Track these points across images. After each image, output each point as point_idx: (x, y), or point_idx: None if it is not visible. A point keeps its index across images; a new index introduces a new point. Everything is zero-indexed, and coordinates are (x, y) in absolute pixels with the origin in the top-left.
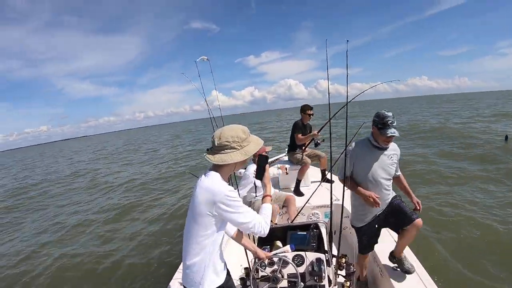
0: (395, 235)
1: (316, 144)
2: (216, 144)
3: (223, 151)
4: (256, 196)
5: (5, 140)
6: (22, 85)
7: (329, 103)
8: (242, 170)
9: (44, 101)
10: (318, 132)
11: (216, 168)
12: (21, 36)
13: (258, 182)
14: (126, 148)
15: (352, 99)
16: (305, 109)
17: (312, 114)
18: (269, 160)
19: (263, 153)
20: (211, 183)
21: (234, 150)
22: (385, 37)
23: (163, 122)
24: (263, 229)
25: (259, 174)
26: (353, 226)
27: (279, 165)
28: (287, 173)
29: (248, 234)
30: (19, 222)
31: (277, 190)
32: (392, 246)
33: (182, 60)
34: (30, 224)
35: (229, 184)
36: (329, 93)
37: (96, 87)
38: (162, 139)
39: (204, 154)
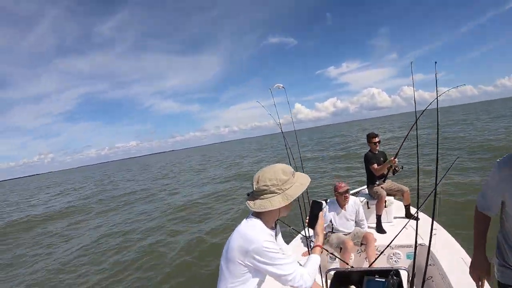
0: None
1: (394, 172)
2: (255, 189)
3: (262, 196)
4: (332, 231)
5: (97, 154)
6: (112, 104)
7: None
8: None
9: (133, 119)
10: (394, 158)
11: (258, 214)
12: (109, 60)
13: (350, 215)
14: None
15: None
16: (369, 137)
17: (379, 142)
18: (352, 191)
19: (319, 200)
20: (249, 230)
21: (274, 194)
22: (466, 36)
23: (247, 135)
24: (305, 283)
25: (312, 222)
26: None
27: (361, 198)
28: (368, 207)
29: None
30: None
31: (364, 227)
32: None
33: (262, 74)
34: None
35: (273, 230)
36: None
37: (180, 104)
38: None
39: (246, 200)
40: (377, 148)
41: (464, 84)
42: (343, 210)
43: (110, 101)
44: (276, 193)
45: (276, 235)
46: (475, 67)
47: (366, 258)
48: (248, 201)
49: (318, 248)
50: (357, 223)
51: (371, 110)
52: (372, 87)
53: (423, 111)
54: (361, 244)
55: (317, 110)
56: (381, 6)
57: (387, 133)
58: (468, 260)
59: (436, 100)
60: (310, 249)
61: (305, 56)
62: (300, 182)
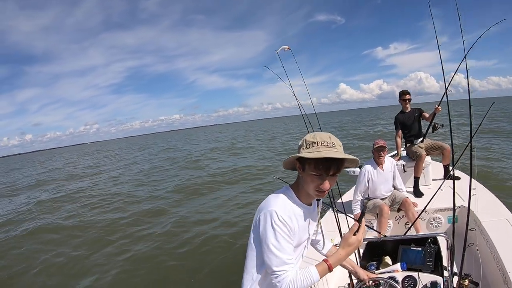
0: None
1: (434, 129)
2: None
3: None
4: (368, 197)
5: (141, 126)
6: (157, 78)
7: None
8: (357, 170)
9: (177, 93)
10: (438, 106)
11: (294, 184)
12: (155, 35)
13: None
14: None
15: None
16: (400, 94)
17: (410, 100)
18: (389, 154)
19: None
20: (271, 197)
21: (295, 154)
22: None
23: (289, 113)
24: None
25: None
26: None
27: (396, 161)
28: (404, 170)
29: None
30: None
31: (403, 191)
32: None
33: (308, 52)
34: None
35: (309, 206)
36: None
37: (225, 79)
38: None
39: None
40: (408, 105)
41: (505, 19)
42: (379, 169)
43: (155, 75)
44: (297, 153)
45: (316, 213)
46: None
47: (406, 224)
48: None
49: (324, 264)
50: (395, 187)
51: (418, 95)
52: (420, 71)
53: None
54: (399, 209)
55: (362, 91)
56: None
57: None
58: None
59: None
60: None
61: (352, 35)
62: (322, 149)
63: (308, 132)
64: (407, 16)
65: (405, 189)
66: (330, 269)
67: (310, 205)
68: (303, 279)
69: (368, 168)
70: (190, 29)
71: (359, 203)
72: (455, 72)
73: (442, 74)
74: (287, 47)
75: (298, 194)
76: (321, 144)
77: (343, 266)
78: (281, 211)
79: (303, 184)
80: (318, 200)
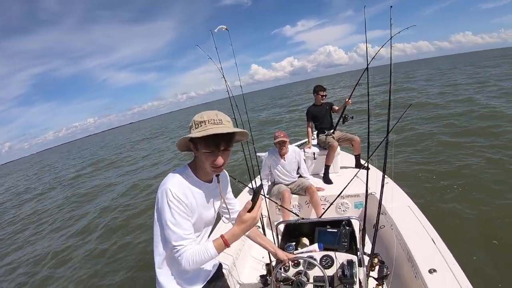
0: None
1: (344, 120)
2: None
3: None
4: (274, 182)
5: (55, 136)
6: (66, 82)
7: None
8: (265, 154)
9: (89, 95)
10: (349, 99)
11: (192, 161)
12: (59, 36)
13: (290, 165)
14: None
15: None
16: (317, 90)
17: (326, 95)
18: (297, 143)
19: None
20: (167, 176)
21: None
22: None
23: (206, 100)
24: (189, 264)
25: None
26: None
27: (306, 150)
28: (314, 158)
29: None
30: None
31: (308, 178)
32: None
33: (218, 36)
34: None
35: (208, 183)
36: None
37: (137, 74)
38: None
39: None
40: (322, 100)
41: (415, 25)
42: (282, 160)
43: (64, 78)
44: (189, 132)
45: (220, 188)
46: (430, 24)
47: (311, 210)
48: None
49: (220, 240)
50: (301, 175)
51: (328, 68)
52: (329, 45)
53: (376, 54)
54: (305, 194)
55: (274, 70)
56: None
57: (343, 89)
58: (414, 206)
59: (390, 41)
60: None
61: (260, 16)
62: (208, 128)
63: (235, 117)
64: None
65: (310, 177)
66: (226, 244)
67: (211, 182)
68: (201, 254)
69: (268, 157)
70: (95, 26)
71: (265, 186)
72: (373, 57)
73: (349, 46)
74: (224, 27)
75: (196, 172)
76: (208, 122)
77: (263, 247)
78: (176, 188)
79: (200, 163)
80: (217, 176)
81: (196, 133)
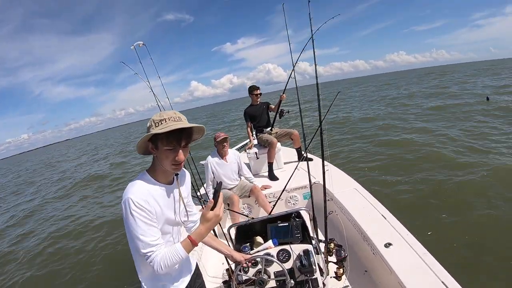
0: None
1: (281, 115)
2: None
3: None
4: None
5: None
6: None
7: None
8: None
9: (23, 109)
10: (283, 94)
11: (150, 166)
12: None
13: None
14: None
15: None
16: (251, 89)
17: (260, 94)
18: (239, 145)
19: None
20: (128, 185)
21: (147, 134)
22: (361, 15)
23: (145, 117)
24: (160, 267)
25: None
26: None
27: (248, 150)
28: (257, 158)
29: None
30: None
31: (243, 178)
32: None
33: (158, 53)
34: None
35: (168, 185)
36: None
37: (75, 89)
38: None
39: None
40: (258, 99)
41: (339, 14)
42: (224, 161)
43: None
44: (148, 132)
45: (179, 190)
46: (367, 44)
47: (261, 209)
48: None
49: (187, 240)
50: (243, 176)
51: (268, 85)
52: (268, 63)
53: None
54: (249, 196)
55: (213, 87)
56: None
57: (287, 104)
58: (360, 188)
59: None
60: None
61: (201, 33)
62: (169, 125)
63: None
64: (254, 12)
65: (253, 176)
66: (193, 243)
67: (171, 183)
68: (171, 256)
69: (211, 159)
70: (32, 35)
71: (211, 191)
72: (298, 58)
73: (288, 64)
74: (141, 43)
75: (154, 176)
76: (169, 120)
77: (219, 251)
78: (137, 196)
79: (159, 164)
80: (176, 175)
81: (159, 130)
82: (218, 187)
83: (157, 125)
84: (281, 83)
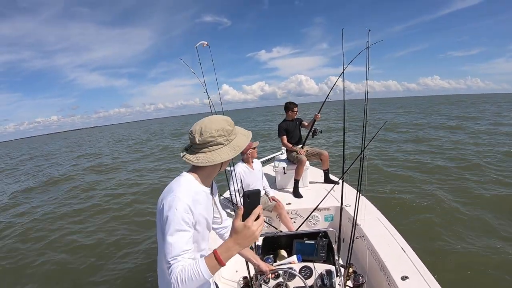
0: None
1: (314, 134)
2: (197, 142)
3: (206, 149)
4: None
5: (15, 129)
6: (34, 75)
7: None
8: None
9: (56, 92)
10: (318, 113)
11: (196, 169)
12: (34, 26)
13: (246, 179)
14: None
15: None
16: (290, 106)
17: (297, 111)
18: (267, 158)
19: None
20: (174, 184)
21: (221, 146)
22: (397, 35)
23: (173, 114)
24: (174, 282)
25: (246, 215)
26: None
27: (275, 164)
28: (284, 173)
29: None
30: None
31: (269, 192)
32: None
33: (194, 52)
34: None
35: (209, 188)
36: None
37: (107, 78)
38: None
39: (182, 154)
40: (294, 116)
41: (382, 40)
42: (251, 169)
43: (33, 71)
44: (223, 144)
45: (213, 195)
46: (401, 65)
47: (282, 224)
48: (188, 156)
49: (212, 256)
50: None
51: (298, 96)
52: (301, 74)
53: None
54: (271, 211)
55: (244, 92)
56: None
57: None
58: (383, 218)
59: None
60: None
61: (237, 38)
62: (244, 134)
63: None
64: (291, 22)
65: (269, 186)
66: (220, 262)
67: (210, 186)
68: (191, 271)
69: (240, 166)
70: (72, 23)
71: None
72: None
73: (321, 77)
74: (205, 42)
75: (200, 178)
76: (235, 130)
77: (245, 258)
78: (185, 199)
79: (213, 169)
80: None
81: (243, 138)
82: (248, 193)
83: (231, 135)
84: (312, 95)
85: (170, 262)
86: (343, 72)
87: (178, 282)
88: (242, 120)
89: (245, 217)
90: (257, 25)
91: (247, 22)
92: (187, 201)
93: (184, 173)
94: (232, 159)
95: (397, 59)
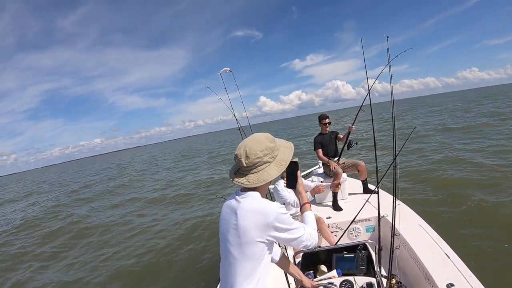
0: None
1: (349, 146)
2: (245, 165)
3: (255, 170)
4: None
5: (61, 153)
6: (75, 101)
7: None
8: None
9: (97, 115)
10: (352, 125)
11: (253, 188)
12: (72, 55)
13: (289, 198)
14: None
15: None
16: (320, 118)
17: (329, 123)
18: (304, 173)
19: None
20: (258, 204)
21: (268, 164)
22: (429, 31)
23: (212, 130)
24: (315, 240)
25: (292, 182)
26: None
27: (313, 178)
28: None
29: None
30: None
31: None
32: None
33: (228, 67)
34: None
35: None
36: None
37: (146, 99)
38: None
39: (231, 178)
40: (328, 128)
41: (411, 48)
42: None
43: (73, 97)
44: (269, 162)
45: None
46: (437, 61)
47: (323, 239)
48: (239, 179)
49: (307, 205)
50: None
51: (336, 102)
52: (337, 80)
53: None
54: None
55: (282, 102)
56: (347, 1)
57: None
58: (425, 225)
59: (388, 66)
60: None
61: (270, 49)
62: (284, 146)
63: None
64: (322, 28)
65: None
66: (309, 204)
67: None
68: (313, 223)
69: (282, 184)
70: (108, 49)
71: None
72: (373, 84)
73: (357, 81)
74: (228, 69)
75: (261, 195)
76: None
77: (292, 275)
78: (279, 205)
79: (265, 185)
80: None
81: (290, 153)
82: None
83: (278, 152)
84: (349, 100)
85: (303, 236)
86: (368, 85)
87: (315, 232)
88: (282, 133)
89: (289, 178)
90: (288, 34)
91: (278, 32)
92: (278, 203)
93: (248, 192)
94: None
95: (432, 54)
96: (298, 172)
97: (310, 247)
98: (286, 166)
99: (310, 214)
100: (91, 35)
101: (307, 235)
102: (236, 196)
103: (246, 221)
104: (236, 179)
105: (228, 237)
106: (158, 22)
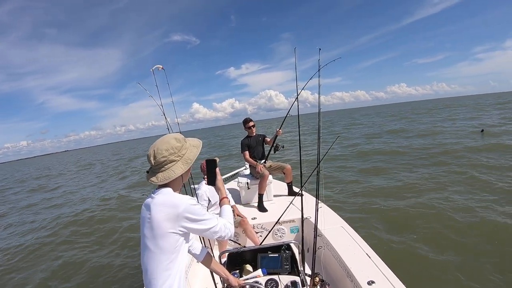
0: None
1: (276, 149)
2: (153, 164)
3: (163, 168)
4: (208, 211)
5: None
6: (2, 99)
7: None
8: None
9: (24, 116)
10: (279, 129)
11: (166, 185)
12: (1, 48)
13: (212, 198)
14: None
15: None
16: (244, 122)
17: (254, 125)
18: (230, 174)
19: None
20: (169, 197)
21: (174, 162)
22: (363, 47)
23: (144, 135)
24: (230, 231)
25: (211, 179)
26: None
27: (239, 179)
28: (248, 188)
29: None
30: None
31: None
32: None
33: (162, 72)
34: None
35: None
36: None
37: (77, 100)
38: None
39: (147, 179)
40: (254, 131)
41: (340, 58)
42: (212, 188)
43: (0, 95)
44: (175, 160)
45: None
46: (369, 75)
47: (248, 239)
48: (150, 178)
49: (225, 199)
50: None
51: (269, 111)
52: (270, 89)
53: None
54: (236, 227)
55: (215, 110)
56: (285, 14)
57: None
58: (347, 226)
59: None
60: None
61: (206, 56)
62: (193, 145)
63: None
64: (259, 38)
65: (233, 203)
66: (228, 199)
67: None
68: (229, 215)
69: (204, 187)
70: (41, 44)
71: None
72: (302, 88)
73: (291, 92)
74: (161, 66)
75: (174, 191)
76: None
77: (217, 273)
78: (190, 198)
79: (181, 180)
80: None
81: (197, 150)
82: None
83: (187, 149)
84: (282, 110)
85: (216, 227)
86: (297, 91)
87: (231, 224)
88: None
89: (209, 176)
90: (225, 43)
91: (216, 39)
92: (189, 196)
93: (161, 188)
94: (189, 169)
95: (364, 69)
96: (217, 169)
97: (225, 238)
98: (192, 163)
99: (227, 207)
100: (25, 27)
101: (221, 226)
102: (152, 194)
103: (158, 213)
104: (149, 178)
105: (144, 231)
106: (95, 19)
